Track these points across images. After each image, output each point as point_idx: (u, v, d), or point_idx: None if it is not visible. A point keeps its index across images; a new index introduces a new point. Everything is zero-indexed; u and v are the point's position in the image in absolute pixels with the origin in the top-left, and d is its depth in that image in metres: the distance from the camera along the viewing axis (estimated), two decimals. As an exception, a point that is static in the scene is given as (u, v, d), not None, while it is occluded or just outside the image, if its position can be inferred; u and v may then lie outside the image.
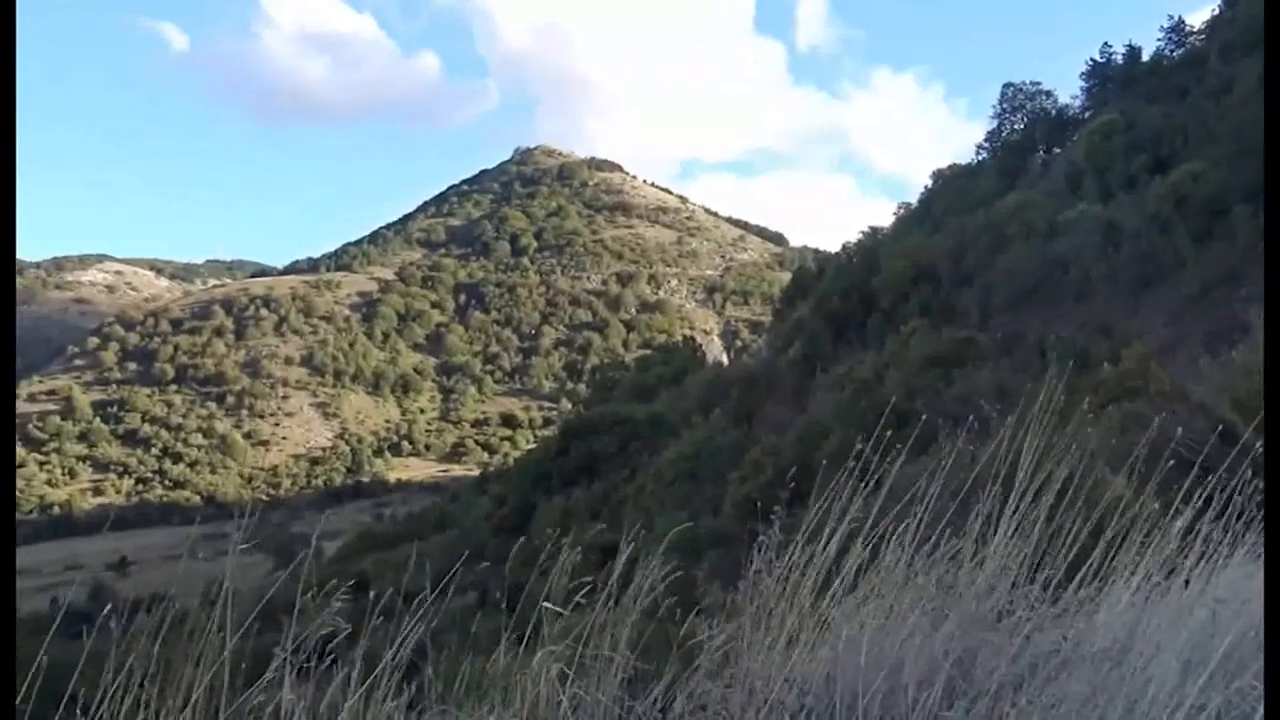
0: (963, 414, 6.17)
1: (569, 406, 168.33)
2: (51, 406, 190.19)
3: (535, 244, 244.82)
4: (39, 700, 2.98)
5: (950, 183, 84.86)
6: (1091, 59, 75.43)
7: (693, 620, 3.96)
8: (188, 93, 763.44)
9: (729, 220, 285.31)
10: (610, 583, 3.57)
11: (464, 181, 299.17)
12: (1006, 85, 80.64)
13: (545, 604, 3.52)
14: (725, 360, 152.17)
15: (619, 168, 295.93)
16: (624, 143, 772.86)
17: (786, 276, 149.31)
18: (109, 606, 3.06)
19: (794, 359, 58.27)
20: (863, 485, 3.83)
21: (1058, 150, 71.70)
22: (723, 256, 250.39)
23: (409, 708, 3.28)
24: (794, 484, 4.57)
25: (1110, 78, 73.31)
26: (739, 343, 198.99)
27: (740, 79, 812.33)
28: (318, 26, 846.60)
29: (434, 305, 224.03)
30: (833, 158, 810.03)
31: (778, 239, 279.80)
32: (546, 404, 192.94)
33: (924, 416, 5.66)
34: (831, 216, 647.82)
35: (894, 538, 3.79)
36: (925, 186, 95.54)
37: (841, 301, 59.30)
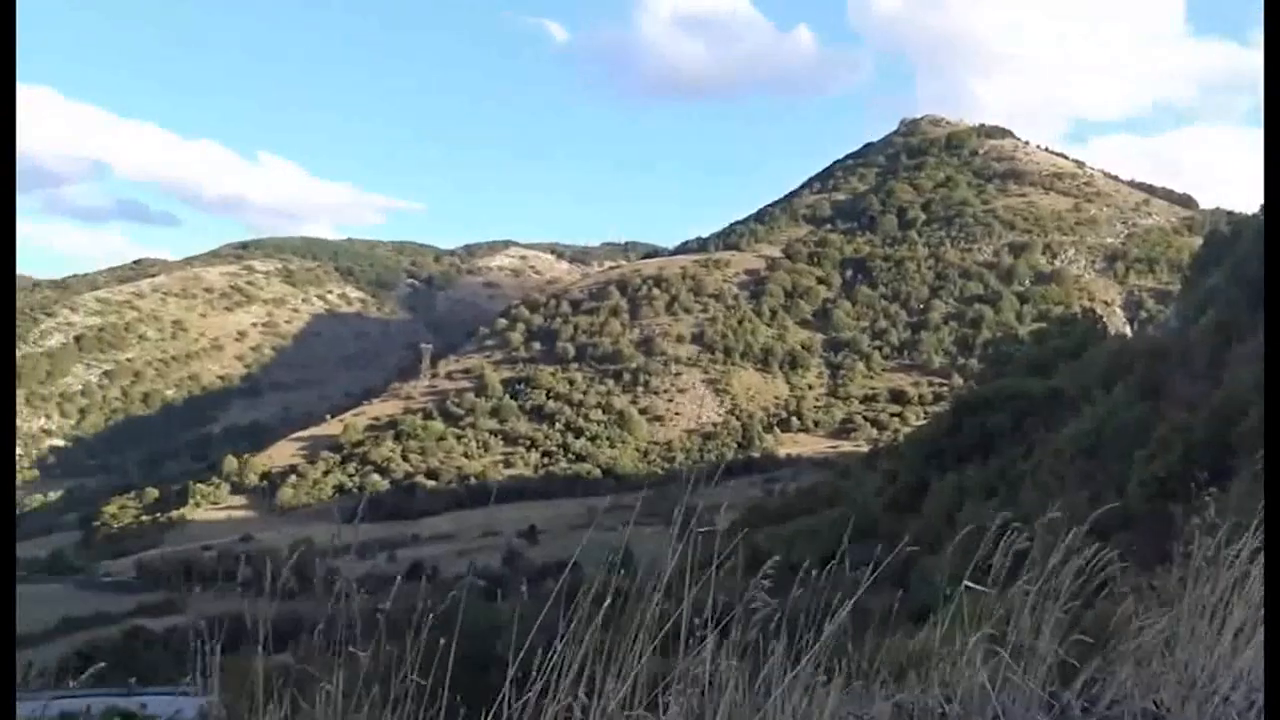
0: None
1: (960, 382, 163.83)
2: (466, 384, 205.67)
3: (923, 216, 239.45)
4: (462, 659, 3.05)
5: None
6: None
7: (1110, 605, 3.65)
8: (571, 83, 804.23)
9: (1130, 184, 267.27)
10: (1003, 564, 3.34)
11: (848, 155, 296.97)
12: None
13: (968, 583, 3.33)
14: (1128, 332, 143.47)
15: (1009, 134, 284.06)
16: (1009, 103, 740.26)
17: (1197, 242, 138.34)
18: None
19: (1206, 329, 53.83)
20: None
21: None
22: (1124, 222, 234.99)
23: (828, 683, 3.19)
24: (1211, 463, 4.10)
25: None
26: (1143, 313, 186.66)
27: (1132, 29, 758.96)
28: (692, 8, 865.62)
29: (820, 281, 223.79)
30: (1244, 110, 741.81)
31: (1185, 201, 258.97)
32: (937, 379, 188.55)
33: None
34: (1247, 175, 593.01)
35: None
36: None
37: (1261, 266, 54.07)
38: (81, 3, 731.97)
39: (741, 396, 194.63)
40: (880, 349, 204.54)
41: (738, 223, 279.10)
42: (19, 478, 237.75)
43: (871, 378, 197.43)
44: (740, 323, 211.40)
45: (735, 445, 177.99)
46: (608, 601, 2.92)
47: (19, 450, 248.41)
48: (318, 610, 3.58)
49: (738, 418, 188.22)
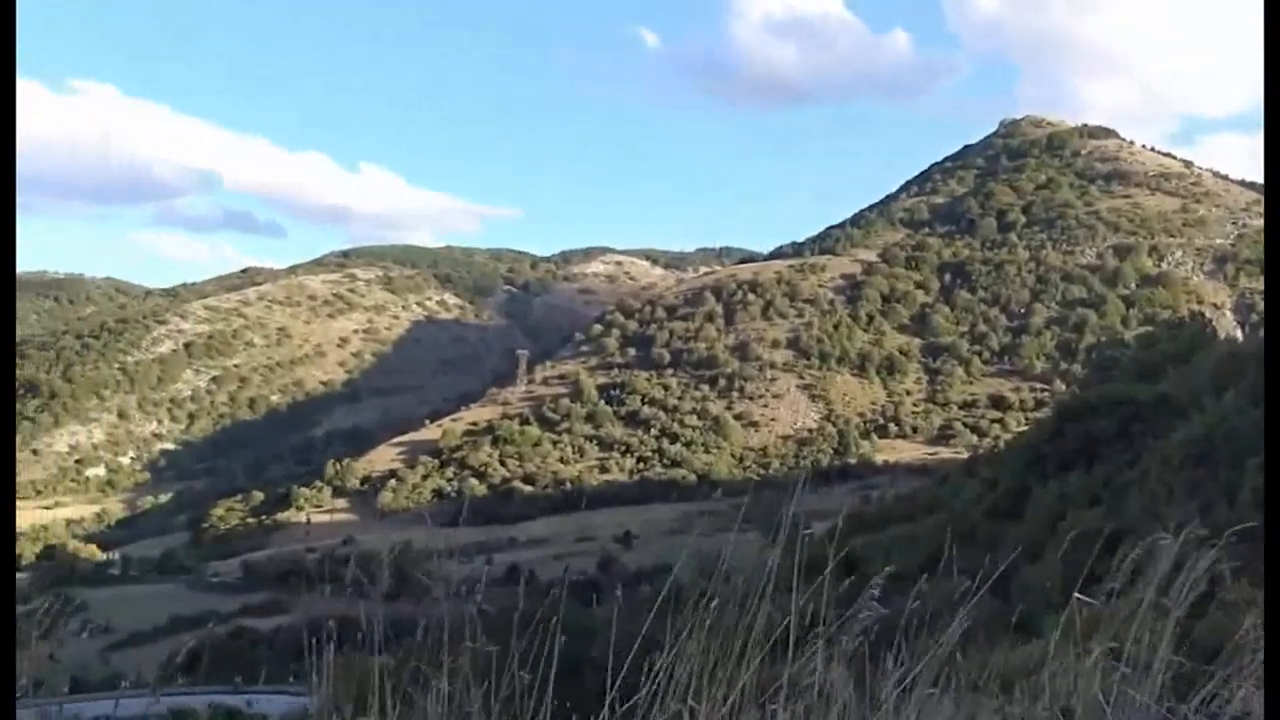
0: None
1: (1063, 388, 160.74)
2: (562, 390, 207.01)
3: (1024, 219, 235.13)
4: (561, 661, 3.09)
5: None
6: None
7: (1223, 617, 3.56)
8: (665, 89, 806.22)
9: (1240, 183, 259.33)
10: (1117, 574, 3.26)
11: (947, 158, 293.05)
12: None
13: (1078, 595, 3.26)
14: (1239, 336, 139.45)
15: (1113, 133, 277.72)
16: (1113, 103, 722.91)
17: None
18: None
19: (1323, 332, 51.97)
20: None
21: None
22: (1234, 223, 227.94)
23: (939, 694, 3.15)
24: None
25: None
26: (1254, 316, 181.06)
27: (1240, 25, 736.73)
28: (785, 13, 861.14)
29: (918, 285, 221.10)
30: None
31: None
32: (1038, 385, 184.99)
33: None
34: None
35: None
36: None
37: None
38: (192, 22, 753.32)
39: (838, 402, 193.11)
40: (980, 354, 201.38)
41: (833, 227, 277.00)
42: (132, 480, 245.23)
43: (971, 383, 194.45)
44: (836, 328, 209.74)
45: (831, 451, 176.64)
46: (710, 607, 2.93)
47: (132, 454, 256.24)
48: (418, 611, 3.64)
49: (834, 423, 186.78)
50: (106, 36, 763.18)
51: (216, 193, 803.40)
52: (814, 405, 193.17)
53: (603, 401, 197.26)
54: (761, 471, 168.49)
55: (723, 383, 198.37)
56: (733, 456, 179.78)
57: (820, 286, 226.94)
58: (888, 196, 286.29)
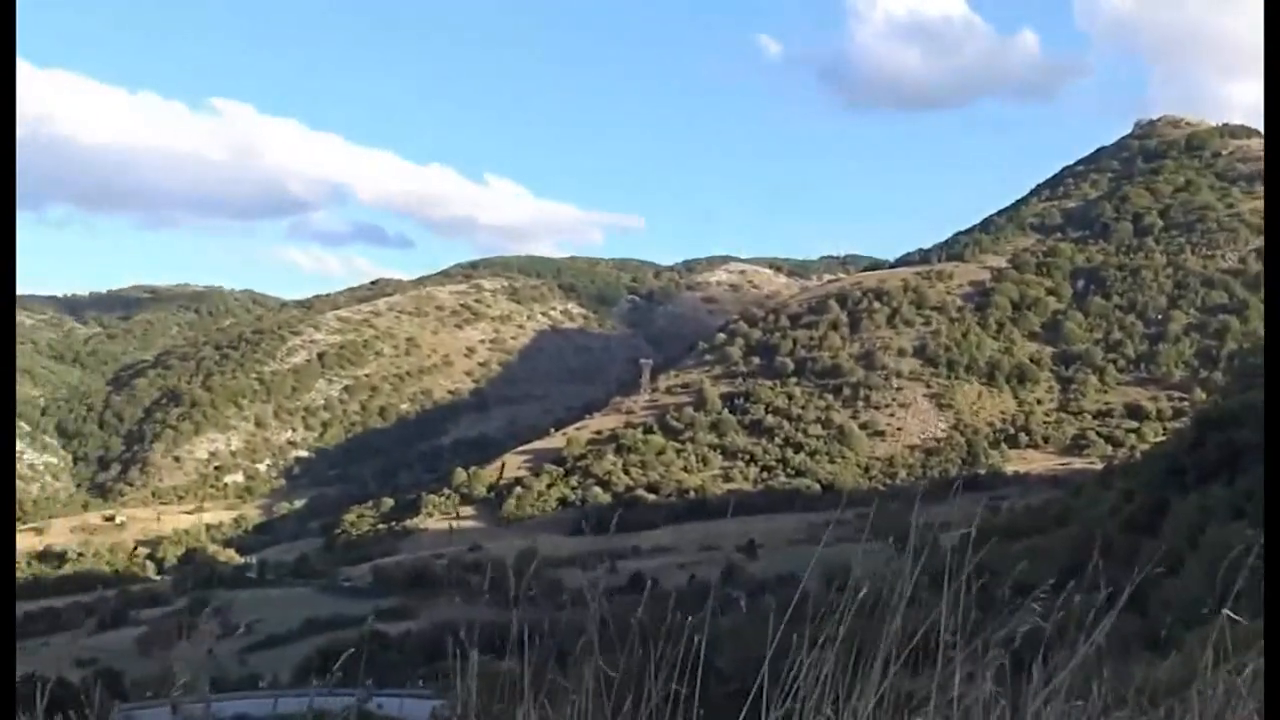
0: None
1: (1203, 396, 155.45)
2: (686, 398, 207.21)
3: (1160, 222, 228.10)
4: (690, 669, 3.09)
5: None
6: None
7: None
8: (787, 96, 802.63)
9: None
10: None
11: (1079, 161, 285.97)
12: None
13: (1228, 612, 3.14)
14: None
15: (1256, 133, 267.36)
16: (1256, 102, 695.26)
17: None
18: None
19: None
20: None
21: None
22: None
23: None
24: None
25: None
26: None
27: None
28: (909, 16, 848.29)
29: (1050, 292, 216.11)
30: None
31: None
32: (1176, 394, 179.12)
33: None
34: None
35: None
36: None
37: None
38: (323, 41, 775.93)
39: (966, 411, 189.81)
40: (1114, 362, 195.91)
41: (961, 233, 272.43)
42: (268, 486, 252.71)
43: (1105, 392, 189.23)
44: (964, 335, 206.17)
45: (959, 461, 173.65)
46: (841, 618, 2.92)
47: (268, 461, 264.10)
48: (544, 617, 3.67)
49: (962, 433, 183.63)
50: (244, 57, 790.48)
51: (348, 206, 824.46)
52: (942, 415, 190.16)
53: (726, 410, 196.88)
54: (887, 481, 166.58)
55: (847, 392, 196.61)
56: (858, 466, 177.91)
57: (948, 294, 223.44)
58: (1018, 201, 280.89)
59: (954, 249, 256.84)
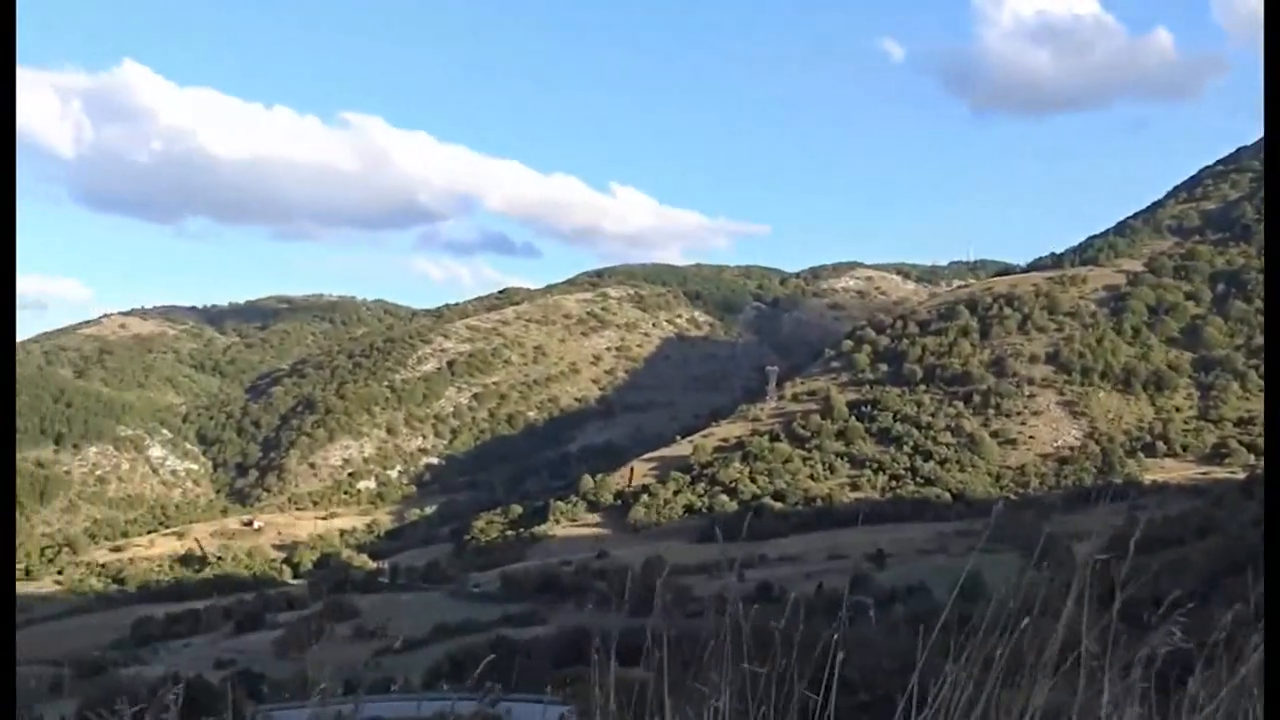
0: None
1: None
2: (812, 406, 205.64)
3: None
4: (812, 677, 3.13)
5: None
6: None
7: None
8: (913, 100, 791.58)
9: None
10: None
11: (1218, 161, 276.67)
12: None
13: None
14: None
15: None
16: None
17: None
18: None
19: None
20: None
21: None
22: None
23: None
24: None
25: None
26: None
27: None
28: (1037, 17, 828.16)
29: (1188, 296, 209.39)
30: None
31: None
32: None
33: None
34: None
35: None
36: None
37: None
38: (449, 55, 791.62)
39: (1101, 419, 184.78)
40: (1257, 368, 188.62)
41: (1095, 237, 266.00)
42: (400, 493, 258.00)
43: (1247, 399, 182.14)
44: (1099, 341, 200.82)
45: (1094, 470, 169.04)
46: (975, 631, 2.89)
47: (400, 467, 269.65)
48: (672, 625, 3.72)
49: (1097, 441, 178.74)
50: (375, 71, 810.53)
51: (475, 216, 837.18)
52: (1075, 422, 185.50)
53: (854, 418, 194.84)
54: (1019, 491, 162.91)
55: (978, 399, 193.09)
56: (989, 475, 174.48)
57: (1081, 299, 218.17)
58: (1154, 204, 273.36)
59: (1087, 253, 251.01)
